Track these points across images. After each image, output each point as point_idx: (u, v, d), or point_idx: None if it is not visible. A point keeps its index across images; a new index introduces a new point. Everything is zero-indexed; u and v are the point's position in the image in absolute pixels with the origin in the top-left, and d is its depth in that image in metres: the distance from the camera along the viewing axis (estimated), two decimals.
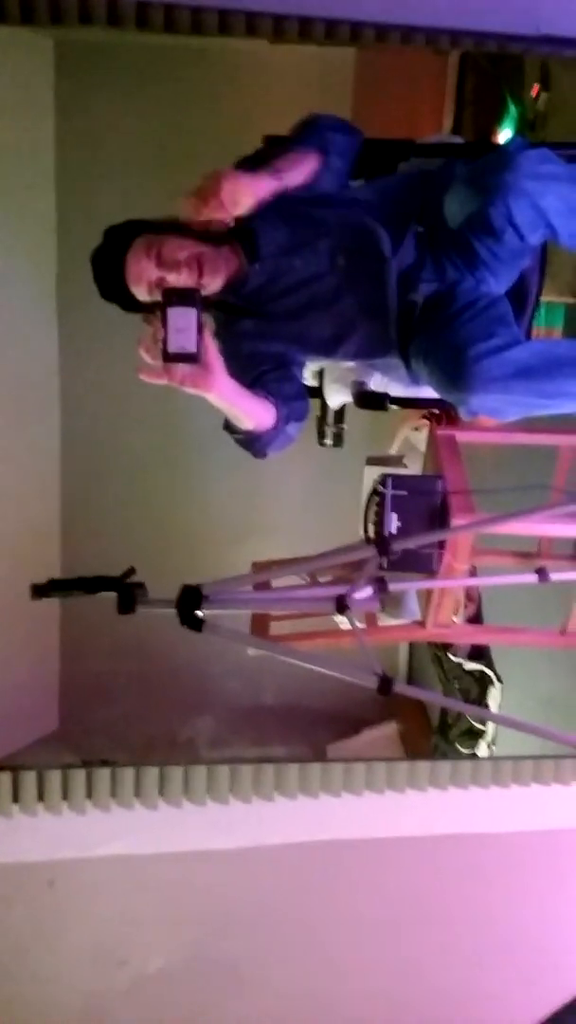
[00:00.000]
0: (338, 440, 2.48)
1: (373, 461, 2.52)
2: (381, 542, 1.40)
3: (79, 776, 1.19)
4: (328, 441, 2.47)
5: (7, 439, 2.91)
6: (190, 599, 1.32)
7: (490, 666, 2.34)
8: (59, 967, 1.27)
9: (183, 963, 1.27)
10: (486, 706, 2.41)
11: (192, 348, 1.25)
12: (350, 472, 2.49)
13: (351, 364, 1.97)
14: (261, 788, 1.20)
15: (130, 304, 1.65)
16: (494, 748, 2.36)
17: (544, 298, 1.96)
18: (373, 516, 2.06)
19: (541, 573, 1.52)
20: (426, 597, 2.07)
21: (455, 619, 2.14)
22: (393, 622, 2.20)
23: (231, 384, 1.43)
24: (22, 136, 2.90)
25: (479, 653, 2.36)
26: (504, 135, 2.47)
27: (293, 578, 2.14)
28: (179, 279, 1.60)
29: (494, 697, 2.32)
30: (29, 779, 1.17)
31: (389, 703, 3.16)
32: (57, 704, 3.13)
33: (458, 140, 2.11)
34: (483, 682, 2.34)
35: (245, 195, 1.54)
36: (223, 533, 3.18)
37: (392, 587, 1.48)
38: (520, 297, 1.77)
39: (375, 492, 2.04)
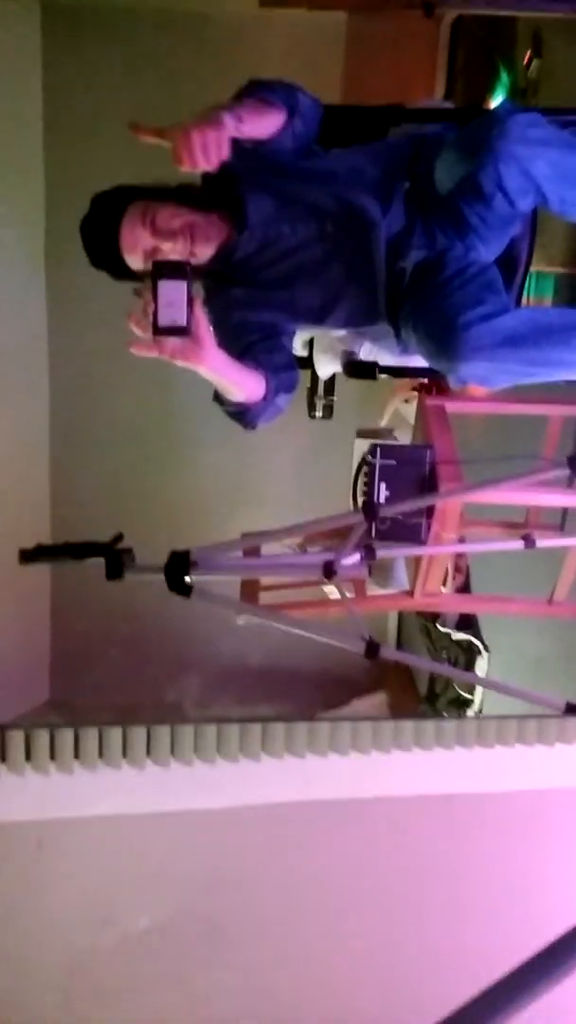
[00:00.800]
0: (328, 412, 2.47)
1: (363, 433, 2.52)
2: (369, 508, 1.41)
3: (66, 736, 1.19)
4: (318, 413, 2.47)
5: None
6: (178, 565, 1.33)
7: (478, 636, 2.35)
8: (46, 926, 1.29)
9: (169, 922, 1.28)
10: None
11: (183, 321, 1.25)
12: (340, 445, 2.49)
13: (341, 333, 1.96)
14: (248, 748, 1.21)
15: (121, 272, 1.64)
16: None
17: (534, 268, 1.96)
18: (362, 486, 2.06)
19: (527, 539, 1.53)
20: (414, 567, 2.08)
21: (443, 590, 2.15)
22: (381, 592, 2.21)
23: (221, 357, 1.42)
24: (9, 102, 2.86)
25: (467, 623, 2.38)
26: (496, 102, 2.45)
27: (282, 549, 2.15)
28: (174, 248, 1.59)
29: (481, 667, 2.34)
30: (16, 739, 1.18)
31: (377, 674, 3.19)
32: (48, 674, 3.15)
33: (448, 105, 2.09)
34: (471, 652, 2.36)
35: (213, 150, 1.49)
36: (212, 505, 3.18)
37: (380, 553, 1.48)
38: (510, 265, 1.76)
39: (364, 462, 2.05)
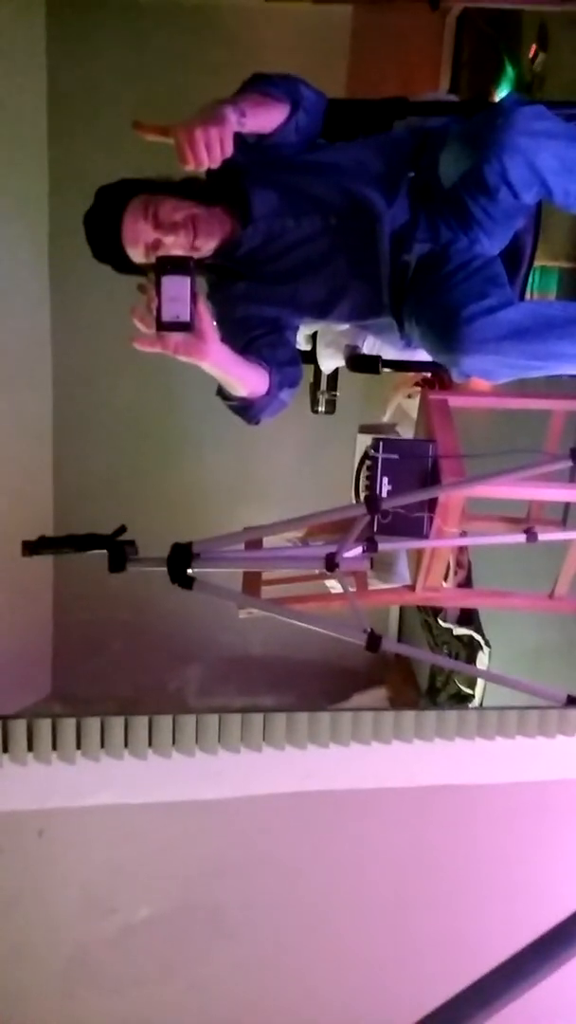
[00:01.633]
0: (331, 407, 2.47)
1: (366, 429, 2.52)
2: (371, 501, 1.41)
3: (69, 726, 1.20)
4: (321, 408, 2.46)
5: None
6: (181, 557, 1.33)
7: (479, 631, 2.35)
8: (47, 915, 1.29)
9: (171, 912, 1.29)
10: None
11: (186, 317, 1.25)
12: (343, 440, 2.49)
13: (344, 327, 1.96)
14: (250, 738, 1.21)
15: (124, 265, 1.63)
16: None
17: (538, 263, 1.95)
18: (364, 480, 2.06)
19: (529, 533, 1.53)
20: (416, 561, 2.08)
21: (445, 585, 2.15)
22: (383, 586, 2.21)
23: (225, 352, 1.42)
24: (12, 95, 2.85)
25: (468, 618, 2.38)
26: (501, 95, 2.44)
27: (284, 543, 2.15)
28: (176, 241, 1.59)
29: (482, 662, 2.34)
30: (19, 729, 1.18)
31: (378, 668, 3.19)
32: (51, 668, 3.15)
33: (453, 98, 2.08)
34: (471, 647, 2.36)
35: (216, 148, 1.48)
36: (214, 499, 3.19)
37: (382, 546, 1.49)
38: (514, 258, 1.75)
39: (367, 456, 2.05)
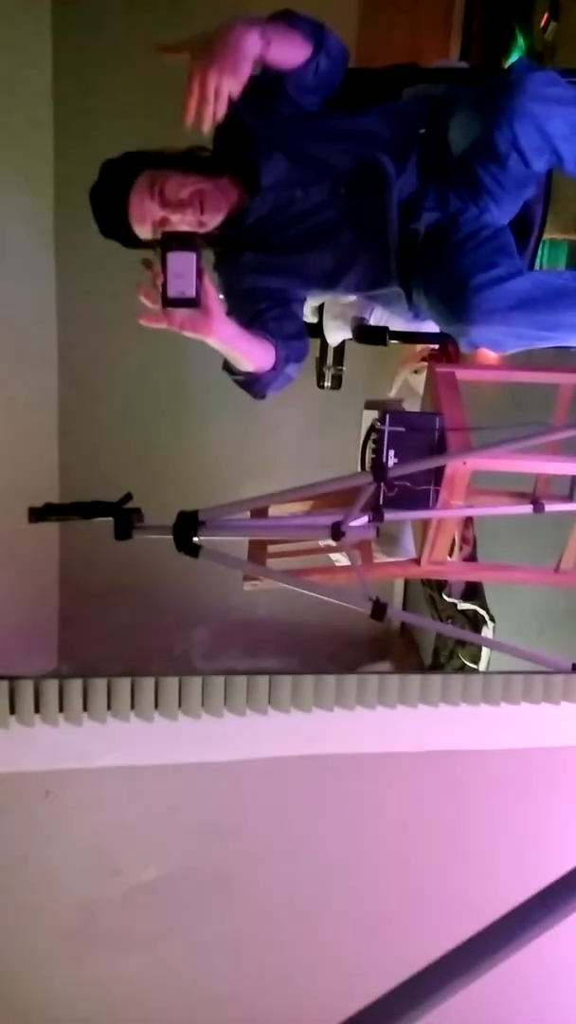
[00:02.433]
0: (337, 382, 2.46)
1: (371, 404, 2.52)
2: (377, 469, 1.41)
3: (75, 687, 1.21)
4: (327, 383, 2.46)
5: (4, 379, 2.90)
6: (187, 525, 1.33)
7: (483, 606, 2.36)
8: (54, 876, 1.31)
9: (176, 874, 1.30)
10: (478, 647, 2.44)
11: (192, 293, 1.25)
12: (348, 416, 2.48)
13: (351, 299, 1.94)
14: (255, 701, 1.22)
15: (131, 241, 1.63)
16: None
17: (547, 235, 1.94)
18: (371, 453, 2.06)
19: (536, 504, 1.53)
20: (421, 535, 2.08)
21: (450, 559, 2.15)
22: (388, 560, 2.21)
23: (231, 327, 1.42)
24: (18, 70, 2.83)
25: (472, 592, 2.38)
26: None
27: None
28: (183, 219, 1.58)
29: (487, 636, 2.34)
30: (26, 690, 1.19)
31: (382, 643, 3.20)
32: (57, 635, 3.17)
33: (463, 65, 2.06)
34: (476, 621, 2.37)
35: (234, 83, 1.44)
36: (221, 475, 3.18)
37: (388, 516, 1.49)
38: (524, 228, 1.74)
39: (373, 429, 2.04)
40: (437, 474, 1.86)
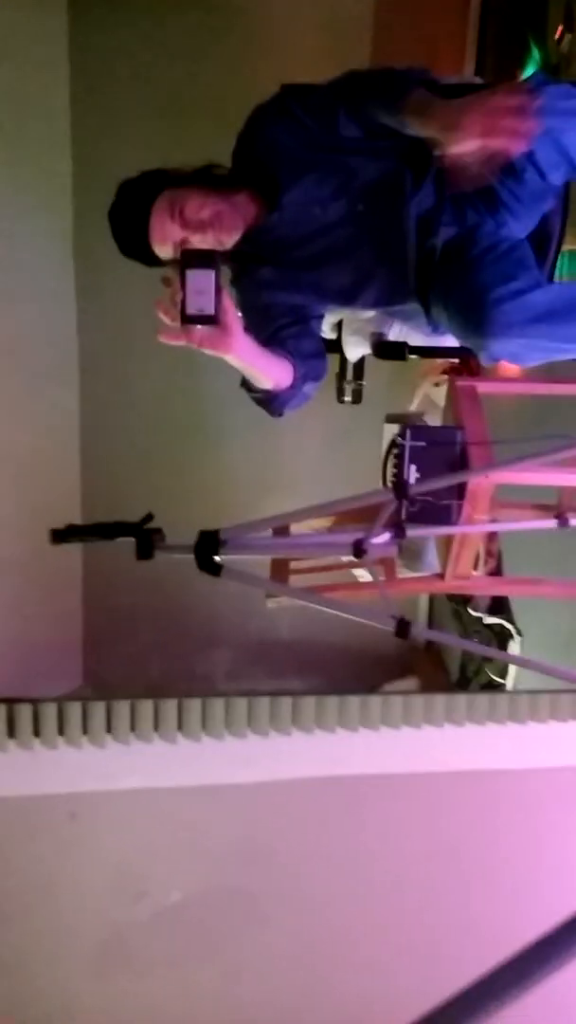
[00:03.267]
0: (357, 397, 2.46)
1: (392, 418, 2.51)
2: (399, 486, 1.40)
3: (99, 709, 1.21)
4: (347, 398, 2.45)
5: (27, 396, 2.93)
6: (208, 544, 1.33)
7: (510, 620, 2.33)
8: (79, 899, 1.30)
9: (201, 896, 1.29)
10: (505, 663, 2.41)
11: (211, 310, 1.25)
12: (369, 430, 2.48)
13: (370, 314, 1.94)
14: (278, 722, 1.21)
15: (152, 260, 1.64)
16: None
17: (566, 247, 1.92)
18: (392, 468, 2.05)
19: (561, 519, 1.51)
20: (445, 549, 2.06)
21: (475, 573, 2.13)
22: (412, 575, 2.20)
23: (250, 345, 1.42)
24: (36, 86, 2.87)
25: (499, 607, 2.36)
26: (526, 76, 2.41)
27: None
28: (203, 239, 1.59)
29: (514, 651, 2.32)
30: (49, 712, 1.19)
31: (408, 659, 3.18)
32: (82, 656, 3.18)
33: (478, 81, 2.06)
34: (502, 636, 2.34)
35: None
36: (241, 491, 3.19)
37: (410, 533, 1.47)
38: (542, 241, 1.73)
39: (394, 444, 2.03)
40: (460, 488, 1.85)
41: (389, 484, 2.04)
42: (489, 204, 1.62)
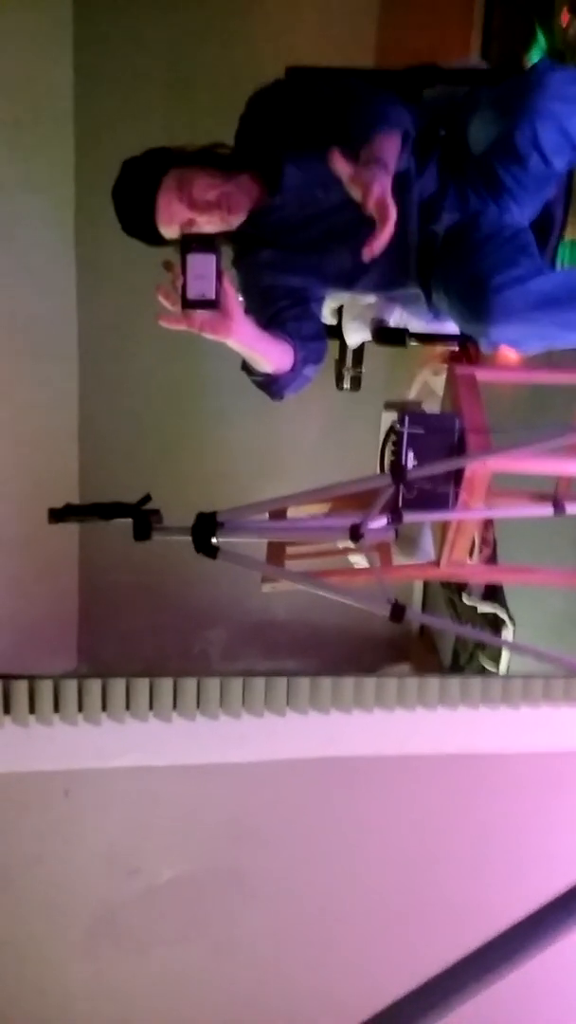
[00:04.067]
0: (356, 384, 2.46)
1: (391, 406, 2.51)
2: (396, 471, 1.40)
3: (94, 687, 1.21)
4: (346, 385, 2.45)
5: (25, 381, 2.92)
6: (205, 526, 1.33)
7: (503, 608, 2.34)
8: (73, 874, 1.31)
9: (194, 874, 1.30)
10: (498, 649, 2.42)
11: (212, 295, 1.25)
12: (368, 417, 2.48)
13: (371, 300, 1.94)
14: (273, 702, 1.21)
15: (155, 240, 1.63)
16: None
17: (568, 235, 1.92)
18: (390, 455, 2.05)
19: (557, 506, 1.51)
20: (440, 537, 2.07)
21: (470, 562, 2.14)
22: (407, 562, 2.20)
23: (250, 329, 1.42)
24: (39, 68, 2.84)
25: (492, 595, 2.37)
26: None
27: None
28: (210, 220, 1.59)
29: (507, 639, 2.33)
30: (45, 689, 1.20)
31: (401, 645, 3.19)
32: (76, 636, 3.18)
33: (483, 65, 2.05)
34: (496, 624, 2.35)
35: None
36: (239, 476, 3.18)
37: (407, 517, 1.48)
38: (544, 229, 1.73)
39: (392, 431, 2.04)
40: (457, 476, 1.85)
41: (387, 470, 2.05)
42: (492, 190, 1.61)
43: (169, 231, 1.60)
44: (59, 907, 1.32)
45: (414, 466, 1.92)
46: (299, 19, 2.79)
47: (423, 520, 1.99)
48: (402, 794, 1.33)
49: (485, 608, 2.38)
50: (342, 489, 1.45)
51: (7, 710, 1.19)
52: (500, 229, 1.61)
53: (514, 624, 2.32)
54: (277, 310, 1.68)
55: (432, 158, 1.64)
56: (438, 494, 1.89)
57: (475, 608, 2.41)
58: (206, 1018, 1.38)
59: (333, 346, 2.07)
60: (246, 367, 1.61)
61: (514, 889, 1.25)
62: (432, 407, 2.57)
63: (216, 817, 1.31)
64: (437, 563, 2.08)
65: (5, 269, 2.76)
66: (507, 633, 2.32)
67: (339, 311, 2.05)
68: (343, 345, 2.19)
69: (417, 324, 1.94)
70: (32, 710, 1.20)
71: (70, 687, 1.20)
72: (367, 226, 1.68)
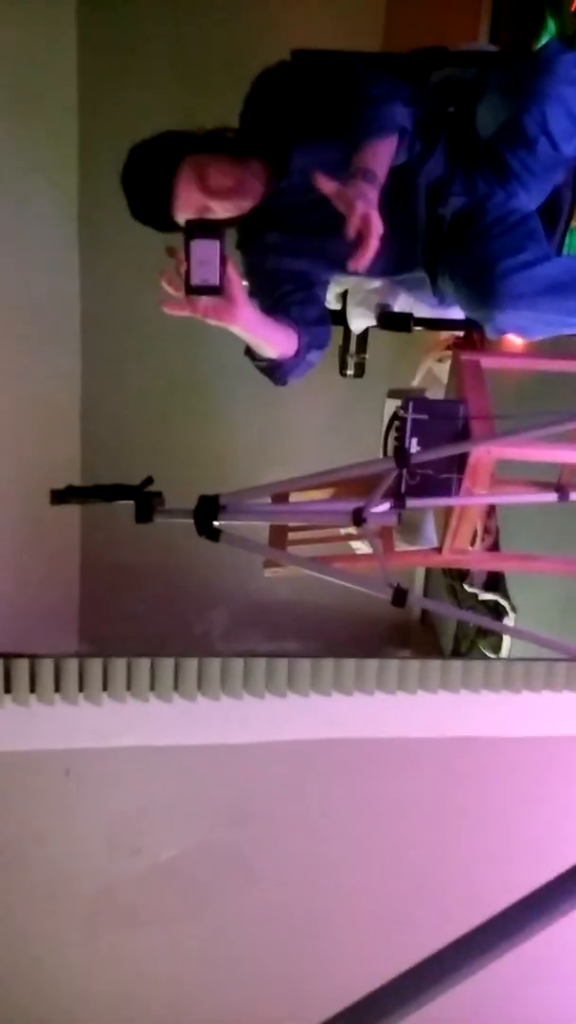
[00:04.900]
0: (360, 370, 2.45)
1: (395, 393, 2.50)
2: (400, 455, 1.40)
3: (95, 666, 1.21)
4: (350, 371, 2.44)
5: (28, 363, 2.91)
6: (208, 509, 1.33)
7: (505, 596, 2.34)
8: (73, 854, 1.32)
9: (194, 854, 1.31)
10: (499, 637, 2.42)
11: (215, 280, 1.25)
12: (371, 404, 2.47)
13: (376, 285, 1.93)
14: (274, 684, 1.21)
15: (166, 226, 1.62)
16: None
17: (575, 223, 1.91)
18: (393, 441, 2.05)
19: (561, 493, 1.51)
20: (443, 524, 2.07)
21: (472, 549, 2.14)
22: (409, 548, 2.20)
23: (254, 315, 1.41)
24: (42, 50, 2.83)
25: (494, 583, 2.37)
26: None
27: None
28: (224, 207, 1.58)
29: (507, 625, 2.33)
30: (46, 669, 1.20)
31: (403, 634, 3.19)
32: (78, 617, 3.19)
33: (492, 48, 2.03)
34: (497, 612, 2.35)
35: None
36: (242, 460, 3.18)
37: (410, 503, 1.48)
38: (552, 215, 1.72)
39: (396, 416, 2.03)
40: (460, 462, 1.84)
41: (390, 454, 2.04)
42: (500, 175, 1.60)
43: (184, 215, 1.59)
44: (60, 886, 1.32)
45: (418, 451, 1.92)
46: (306, 4, 2.77)
47: (426, 506, 1.99)
48: (403, 777, 1.34)
49: (486, 596, 2.38)
50: (345, 473, 1.44)
51: (8, 689, 1.20)
52: (507, 214, 1.60)
53: (515, 612, 2.32)
54: (282, 294, 1.67)
55: (440, 141, 1.63)
56: (441, 480, 1.88)
57: (476, 596, 2.41)
58: (205, 997, 1.39)
59: (337, 332, 2.06)
60: (250, 352, 1.61)
61: (514, 872, 1.26)
62: (436, 394, 2.56)
63: (216, 798, 1.31)
64: (439, 550, 2.08)
65: (8, 255, 2.75)
66: (508, 621, 2.32)
67: (343, 296, 2.04)
68: (347, 331, 2.18)
69: (422, 309, 1.93)
70: (33, 689, 1.20)
71: (71, 666, 1.20)
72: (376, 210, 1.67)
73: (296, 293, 1.68)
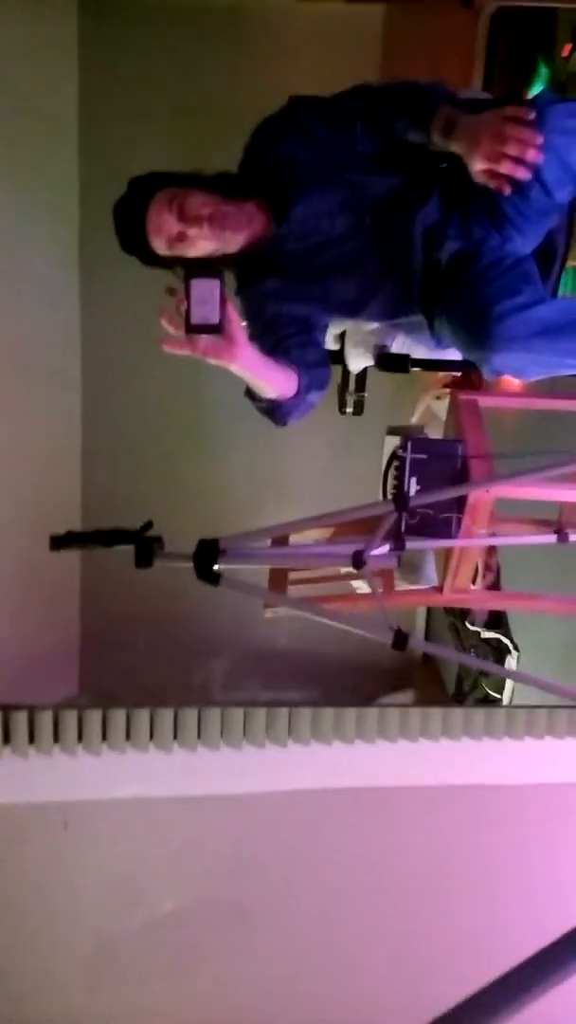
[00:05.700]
0: (359, 408, 2.47)
1: (393, 431, 2.51)
2: (399, 498, 1.40)
3: (95, 717, 1.20)
4: (349, 409, 2.46)
5: (28, 401, 2.92)
6: (207, 553, 1.33)
7: (507, 635, 2.33)
8: (72, 906, 1.30)
9: (195, 906, 1.28)
10: (502, 677, 2.40)
11: (215, 319, 1.25)
12: (370, 442, 2.48)
13: (374, 326, 1.95)
14: (275, 733, 1.20)
15: (149, 257, 1.64)
16: None
17: (570, 264, 1.93)
18: (392, 480, 2.05)
19: (561, 534, 1.51)
20: (444, 563, 2.06)
21: (473, 588, 2.13)
22: (410, 588, 2.19)
23: (254, 355, 1.42)
24: (45, 92, 2.88)
25: (496, 621, 2.36)
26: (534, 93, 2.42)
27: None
28: (200, 234, 1.59)
29: (511, 666, 2.31)
30: (45, 719, 1.19)
31: (405, 672, 3.17)
32: (78, 664, 3.17)
33: (486, 96, 2.07)
34: (500, 651, 2.34)
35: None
36: (241, 501, 3.18)
37: (409, 545, 1.48)
38: (547, 257, 1.74)
39: (395, 456, 2.04)
40: (460, 502, 1.85)
41: (389, 496, 2.05)
42: (495, 219, 1.63)
43: (159, 244, 1.60)
44: (59, 939, 1.30)
45: (417, 491, 1.92)
46: (304, 48, 2.83)
47: (426, 547, 1.99)
48: (405, 825, 1.32)
49: (489, 634, 2.36)
50: (344, 515, 1.44)
51: (7, 740, 1.18)
52: (502, 258, 1.62)
53: (518, 651, 2.30)
54: (281, 337, 1.68)
55: (435, 189, 1.65)
56: (441, 520, 1.88)
57: (479, 634, 2.40)
58: None
59: (336, 371, 2.08)
60: (250, 393, 1.61)
61: (519, 922, 1.23)
62: (435, 431, 2.57)
63: (217, 849, 1.29)
64: (440, 589, 2.07)
65: (9, 293, 2.78)
66: (511, 660, 2.31)
67: (341, 337, 2.06)
68: (346, 370, 2.19)
69: (420, 351, 1.95)
70: (32, 740, 1.19)
71: (70, 717, 1.19)
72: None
73: (296, 336, 1.70)
